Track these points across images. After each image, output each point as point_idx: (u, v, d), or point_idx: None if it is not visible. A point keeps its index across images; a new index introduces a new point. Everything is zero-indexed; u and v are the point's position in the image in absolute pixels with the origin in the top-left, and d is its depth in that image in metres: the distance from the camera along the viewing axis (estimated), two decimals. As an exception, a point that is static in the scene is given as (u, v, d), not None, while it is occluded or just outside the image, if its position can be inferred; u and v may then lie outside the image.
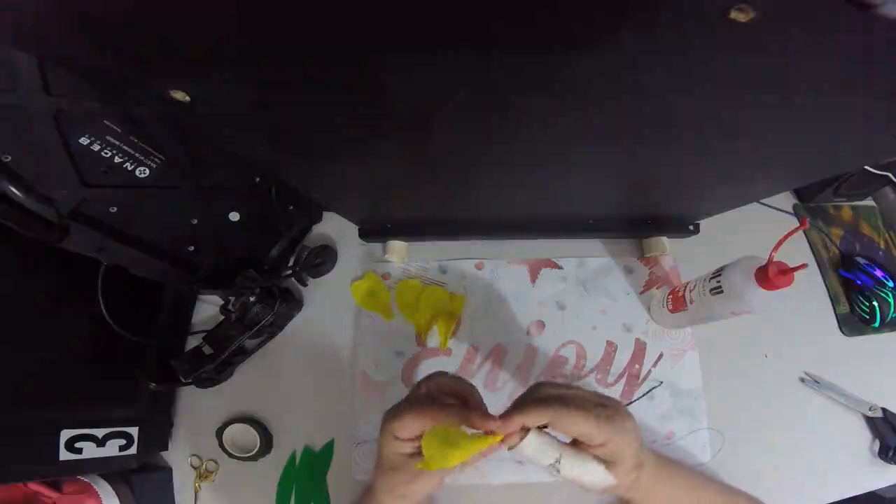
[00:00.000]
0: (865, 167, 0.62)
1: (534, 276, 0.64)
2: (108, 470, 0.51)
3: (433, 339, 0.61)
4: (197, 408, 0.59)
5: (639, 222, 0.62)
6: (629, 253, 0.65)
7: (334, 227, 0.67)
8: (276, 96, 0.29)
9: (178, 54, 0.24)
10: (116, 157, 0.50)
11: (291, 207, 0.61)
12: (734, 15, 0.19)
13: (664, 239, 0.63)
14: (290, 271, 0.60)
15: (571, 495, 0.55)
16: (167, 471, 0.57)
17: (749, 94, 0.27)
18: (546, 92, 0.27)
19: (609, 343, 0.61)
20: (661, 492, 0.42)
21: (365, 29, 0.22)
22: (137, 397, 0.54)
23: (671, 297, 0.56)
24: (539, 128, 0.32)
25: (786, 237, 0.40)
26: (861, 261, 0.65)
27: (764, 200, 0.69)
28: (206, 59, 0.24)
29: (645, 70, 0.25)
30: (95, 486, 0.50)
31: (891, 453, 0.56)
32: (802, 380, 0.60)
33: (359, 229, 0.64)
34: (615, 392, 0.59)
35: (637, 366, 0.60)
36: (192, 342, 0.60)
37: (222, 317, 0.57)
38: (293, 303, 0.61)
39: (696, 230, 0.63)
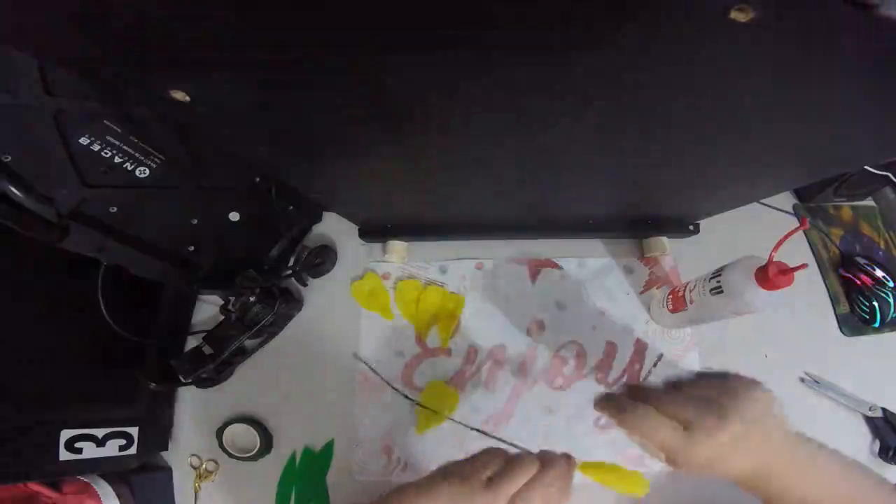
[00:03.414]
0: (865, 167, 0.62)
1: (534, 276, 0.64)
2: (108, 470, 0.51)
3: (433, 339, 0.61)
4: (197, 408, 0.59)
5: (639, 222, 0.62)
6: (629, 253, 0.65)
7: (334, 227, 0.67)
8: (275, 96, 0.29)
9: (178, 54, 0.24)
10: (116, 157, 0.50)
11: (291, 207, 0.61)
12: (734, 15, 0.19)
13: (664, 239, 0.63)
14: (290, 271, 0.60)
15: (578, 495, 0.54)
16: (167, 471, 0.57)
17: (749, 94, 0.27)
18: (546, 92, 0.27)
19: (609, 343, 0.61)
20: (801, 480, 0.38)
21: (365, 29, 0.22)
22: (137, 397, 0.54)
23: (671, 297, 0.56)
24: (539, 128, 0.32)
25: (786, 237, 0.40)
26: (861, 261, 0.65)
27: (764, 200, 0.69)
28: (206, 59, 0.24)
29: (645, 70, 0.25)
30: (95, 486, 0.50)
31: (891, 453, 0.56)
32: (802, 380, 0.60)
33: (359, 229, 0.64)
34: (615, 392, 0.59)
35: (637, 366, 0.60)
36: (192, 342, 0.60)
37: (222, 317, 0.57)
38: (293, 303, 0.61)
39: (696, 230, 0.63)
